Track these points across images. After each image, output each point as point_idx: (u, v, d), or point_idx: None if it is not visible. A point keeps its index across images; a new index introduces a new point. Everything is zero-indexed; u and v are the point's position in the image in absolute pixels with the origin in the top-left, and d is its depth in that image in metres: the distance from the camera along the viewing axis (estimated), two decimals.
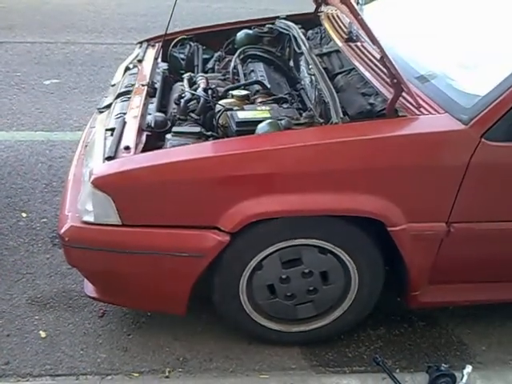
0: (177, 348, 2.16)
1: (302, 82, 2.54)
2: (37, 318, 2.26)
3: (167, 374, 2.06)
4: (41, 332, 2.20)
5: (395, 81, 1.84)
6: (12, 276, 2.46)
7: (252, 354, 2.16)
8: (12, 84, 4.32)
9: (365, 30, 1.89)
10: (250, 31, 2.89)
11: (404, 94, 1.89)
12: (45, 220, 2.80)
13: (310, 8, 2.98)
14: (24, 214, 2.84)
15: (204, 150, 1.90)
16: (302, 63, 2.57)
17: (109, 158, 1.86)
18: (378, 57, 1.91)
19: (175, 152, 1.90)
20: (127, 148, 1.90)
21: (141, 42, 2.95)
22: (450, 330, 2.31)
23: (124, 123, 2.06)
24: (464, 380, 1.98)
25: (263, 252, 1.95)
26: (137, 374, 2.05)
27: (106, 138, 2.02)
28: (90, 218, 1.88)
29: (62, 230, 1.93)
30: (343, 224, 1.93)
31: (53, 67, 4.67)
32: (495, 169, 1.87)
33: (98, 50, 5.08)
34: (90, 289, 2.14)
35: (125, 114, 2.15)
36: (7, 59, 4.80)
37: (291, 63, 2.79)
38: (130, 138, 1.96)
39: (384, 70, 1.96)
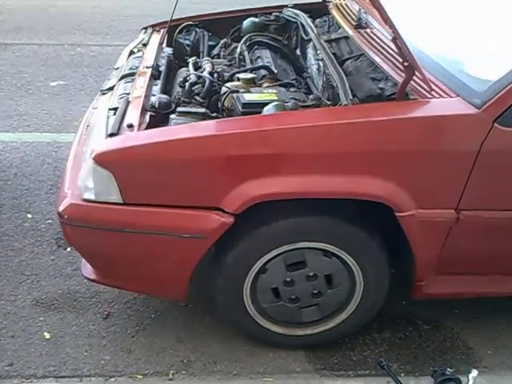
0: (181, 350, 2.16)
1: (309, 71, 2.50)
2: (41, 319, 2.26)
3: (171, 376, 2.06)
4: (45, 333, 2.20)
5: (406, 64, 1.78)
6: (17, 277, 2.46)
7: (256, 356, 2.15)
8: (18, 85, 4.33)
9: (377, 9, 1.80)
10: (257, 19, 2.86)
11: (415, 77, 1.83)
12: (50, 221, 2.81)
13: None
14: (29, 215, 2.85)
15: (208, 128, 1.85)
16: (310, 50, 2.53)
17: (111, 135, 1.82)
18: (390, 38, 1.83)
19: (179, 130, 1.85)
20: (130, 126, 1.86)
21: (145, 28, 2.90)
22: (455, 334, 2.29)
23: (127, 102, 2.02)
24: None
25: (267, 255, 1.93)
26: (141, 376, 2.05)
27: (108, 117, 1.97)
28: (90, 196, 1.83)
29: (61, 208, 1.87)
30: (348, 226, 1.92)
31: (59, 69, 4.68)
32: (507, 155, 1.81)
33: (104, 52, 5.09)
34: (88, 270, 2.09)
35: (128, 94, 2.10)
36: (14, 61, 4.82)
37: (298, 52, 2.76)
38: (133, 116, 1.92)
39: (394, 54, 1.89)
